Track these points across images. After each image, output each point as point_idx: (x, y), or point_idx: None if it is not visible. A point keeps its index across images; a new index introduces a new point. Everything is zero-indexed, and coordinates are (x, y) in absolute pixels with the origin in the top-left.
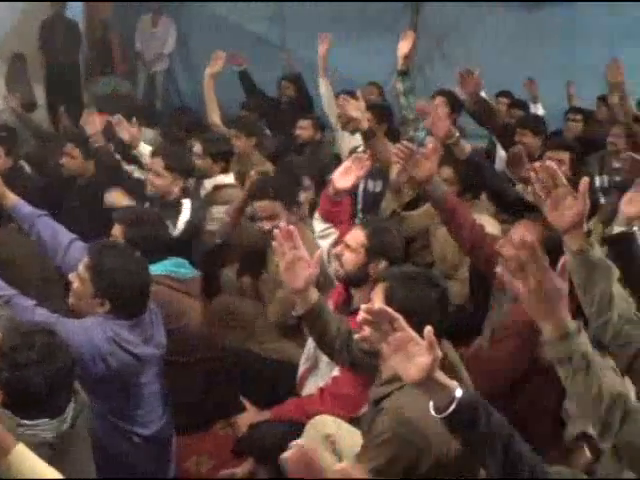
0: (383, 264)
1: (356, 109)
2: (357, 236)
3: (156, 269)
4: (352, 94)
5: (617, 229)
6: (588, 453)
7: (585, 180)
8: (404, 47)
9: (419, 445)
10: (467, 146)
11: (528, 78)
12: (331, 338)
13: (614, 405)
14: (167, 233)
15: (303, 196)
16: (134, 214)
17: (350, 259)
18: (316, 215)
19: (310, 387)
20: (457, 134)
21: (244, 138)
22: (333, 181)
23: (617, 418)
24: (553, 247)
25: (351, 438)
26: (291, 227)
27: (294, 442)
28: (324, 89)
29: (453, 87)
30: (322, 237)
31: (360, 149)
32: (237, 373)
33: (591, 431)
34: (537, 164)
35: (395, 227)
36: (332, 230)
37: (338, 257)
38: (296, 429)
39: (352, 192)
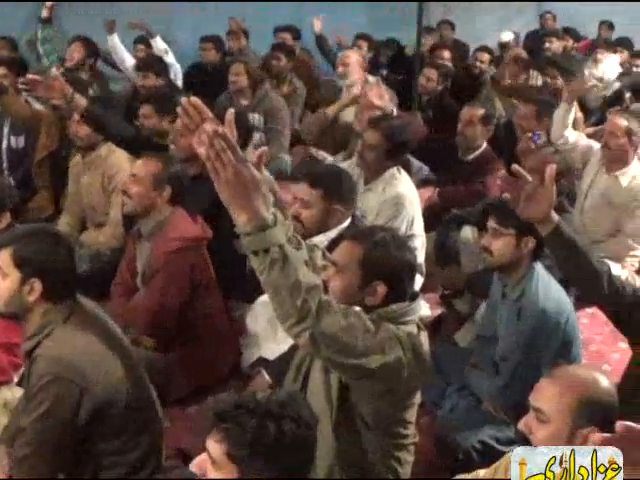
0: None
1: None
2: None
3: None
4: None
5: None
6: (266, 377)
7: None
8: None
9: (79, 383)
10: (82, 101)
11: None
12: None
13: (310, 295)
14: None
15: None
16: None
17: None
18: None
19: None
20: (71, 91)
21: None
22: None
23: (314, 308)
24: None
25: None
26: None
27: None
28: None
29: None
30: None
31: None
32: None
33: (267, 355)
34: (184, 100)
35: None
36: None
37: None
38: None
39: None
